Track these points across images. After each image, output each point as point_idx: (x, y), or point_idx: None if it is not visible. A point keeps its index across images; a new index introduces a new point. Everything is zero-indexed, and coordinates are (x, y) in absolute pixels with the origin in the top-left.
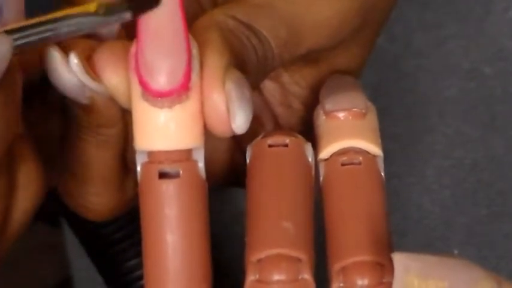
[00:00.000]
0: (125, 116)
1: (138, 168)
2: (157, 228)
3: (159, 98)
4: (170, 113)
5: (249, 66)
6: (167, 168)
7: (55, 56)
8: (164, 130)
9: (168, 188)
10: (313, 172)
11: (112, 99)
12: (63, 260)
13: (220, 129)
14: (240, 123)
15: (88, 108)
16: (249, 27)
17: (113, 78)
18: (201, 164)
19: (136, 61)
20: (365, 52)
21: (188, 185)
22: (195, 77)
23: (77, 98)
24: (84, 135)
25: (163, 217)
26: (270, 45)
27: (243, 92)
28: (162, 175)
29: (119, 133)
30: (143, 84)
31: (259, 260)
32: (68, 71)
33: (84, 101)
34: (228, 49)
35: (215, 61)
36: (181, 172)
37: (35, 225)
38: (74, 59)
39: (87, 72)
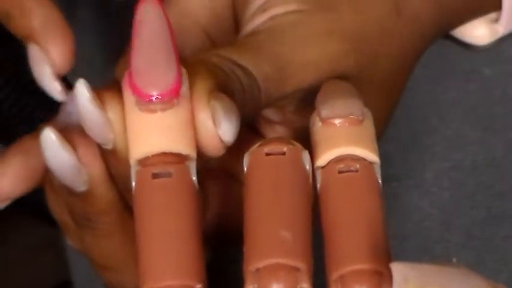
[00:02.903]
0: (120, 203)
1: (133, 178)
2: (149, 225)
3: (152, 102)
4: (163, 116)
5: (236, 96)
6: (160, 169)
7: (51, 137)
8: (157, 133)
9: (161, 186)
10: (310, 180)
11: (108, 182)
12: (63, 260)
13: (210, 144)
14: (225, 128)
15: (85, 195)
16: (232, 61)
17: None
18: (194, 178)
19: (130, 75)
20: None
21: (180, 186)
22: (185, 89)
23: (73, 184)
24: (85, 226)
25: (155, 215)
26: (255, 78)
27: (227, 106)
28: (155, 176)
29: (117, 219)
30: (136, 91)
31: (257, 270)
32: (64, 150)
33: (81, 188)
34: (212, 77)
35: (200, 86)
36: (172, 173)
37: (35, 225)
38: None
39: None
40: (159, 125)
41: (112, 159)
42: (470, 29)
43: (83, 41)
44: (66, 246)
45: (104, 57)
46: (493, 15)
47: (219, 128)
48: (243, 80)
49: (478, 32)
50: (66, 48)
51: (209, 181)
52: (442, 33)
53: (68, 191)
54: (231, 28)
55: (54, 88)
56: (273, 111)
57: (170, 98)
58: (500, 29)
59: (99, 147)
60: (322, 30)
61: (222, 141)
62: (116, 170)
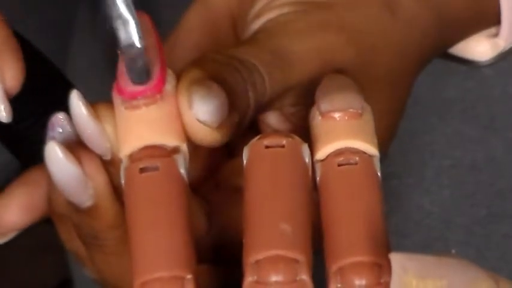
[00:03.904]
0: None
1: (122, 176)
2: (138, 219)
3: (135, 99)
4: (146, 111)
5: (236, 86)
6: (146, 163)
7: (55, 150)
8: (141, 127)
9: (148, 180)
10: (310, 173)
11: (112, 195)
12: (63, 260)
13: (191, 127)
14: (197, 107)
15: (91, 210)
16: (229, 55)
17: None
18: (182, 170)
19: (116, 80)
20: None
21: (166, 179)
22: (170, 88)
23: (79, 199)
24: (94, 245)
25: (143, 209)
26: (256, 67)
27: (206, 89)
28: (142, 170)
29: (124, 234)
30: (120, 91)
31: (257, 261)
32: (69, 162)
33: (87, 203)
34: (201, 69)
35: (183, 77)
36: (159, 166)
37: (35, 226)
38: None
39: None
40: (143, 120)
41: (112, 169)
42: (471, 45)
43: (83, 40)
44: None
45: (105, 57)
46: (492, 30)
47: (192, 108)
48: (239, 68)
49: (480, 48)
50: (19, 71)
51: (213, 194)
52: (444, 43)
53: (75, 209)
54: None
55: (1, 109)
56: (275, 116)
57: (152, 93)
58: (501, 43)
59: (101, 159)
60: (319, 24)
61: (199, 122)
62: (118, 181)
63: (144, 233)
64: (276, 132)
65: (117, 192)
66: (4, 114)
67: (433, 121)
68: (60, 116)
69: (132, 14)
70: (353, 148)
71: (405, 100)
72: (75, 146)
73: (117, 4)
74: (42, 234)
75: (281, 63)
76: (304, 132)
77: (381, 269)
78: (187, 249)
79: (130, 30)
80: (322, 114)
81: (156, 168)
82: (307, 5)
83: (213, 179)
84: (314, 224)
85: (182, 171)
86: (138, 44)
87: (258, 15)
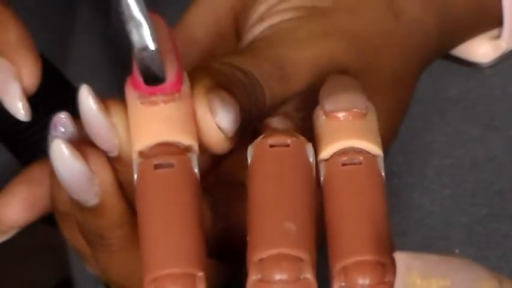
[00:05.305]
0: (132, 216)
1: (135, 171)
2: (151, 215)
3: (154, 95)
4: (164, 107)
5: (239, 97)
6: (162, 160)
7: (61, 147)
8: (158, 123)
9: (163, 177)
10: (314, 172)
11: (118, 192)
12: (63, 261)
13: (210, 134)
14: (221, 116)
15: (97, 208)
16: (232, 65)
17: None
18: (196, 169)
19: (132, 75)
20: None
21: (181, 176)
22: (186, 88)
23: (85, 197)
24: (99, 244)
25: (157, 205)
26: (256, 79)
27: (224, 97)
28: (157, 167)
29: (130, 233)
30: (138, 86)
31: (260, 260)
32: (75, 160)
33: (93, 201)
34: (212, 77)
35: (199, 83)
36: (174, 163)
37: (35, 226)
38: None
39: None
40: (161, 116)
41: (119, 166)
42: (473, 47)
43: (83, 40)
44: (66, 247)
45: (105, 57)
46: (494, 32)
47: (215, 116)
48: (244, 81)
49: (482, 49)
50: (36, 69)
51: (218, 189)
52: (447, 44)
53: (80, 207)
54: (236, 47)
55: (20, 107)
56: (279, 120)
57: (172, 91)
58: (503, 44)
59: (107, 156)
60: (319, 31)
61: (220, 130)
62: (124, 178)
63: (157, 229)
64: (281, 131)
65: (123, 190)
66: (22, 112)
67: (434, 120)
68: (62, 115)
69: (145, 16)
70: (357, 148)
71: (408, 101)
72: (80, 143)
73: (130, 6)
74: (42, 234)
75: (280, 75)
76: (308, 130)
77: (385, 268)
78: (199, 247)
79: (143, 32)
80: (326, 114)
81: (171, 165)
82: (310, 11)
83: (212, 172)
84: (318, 223)
85: (196, 170)
86: (151, 47)
87: (260, 20)
